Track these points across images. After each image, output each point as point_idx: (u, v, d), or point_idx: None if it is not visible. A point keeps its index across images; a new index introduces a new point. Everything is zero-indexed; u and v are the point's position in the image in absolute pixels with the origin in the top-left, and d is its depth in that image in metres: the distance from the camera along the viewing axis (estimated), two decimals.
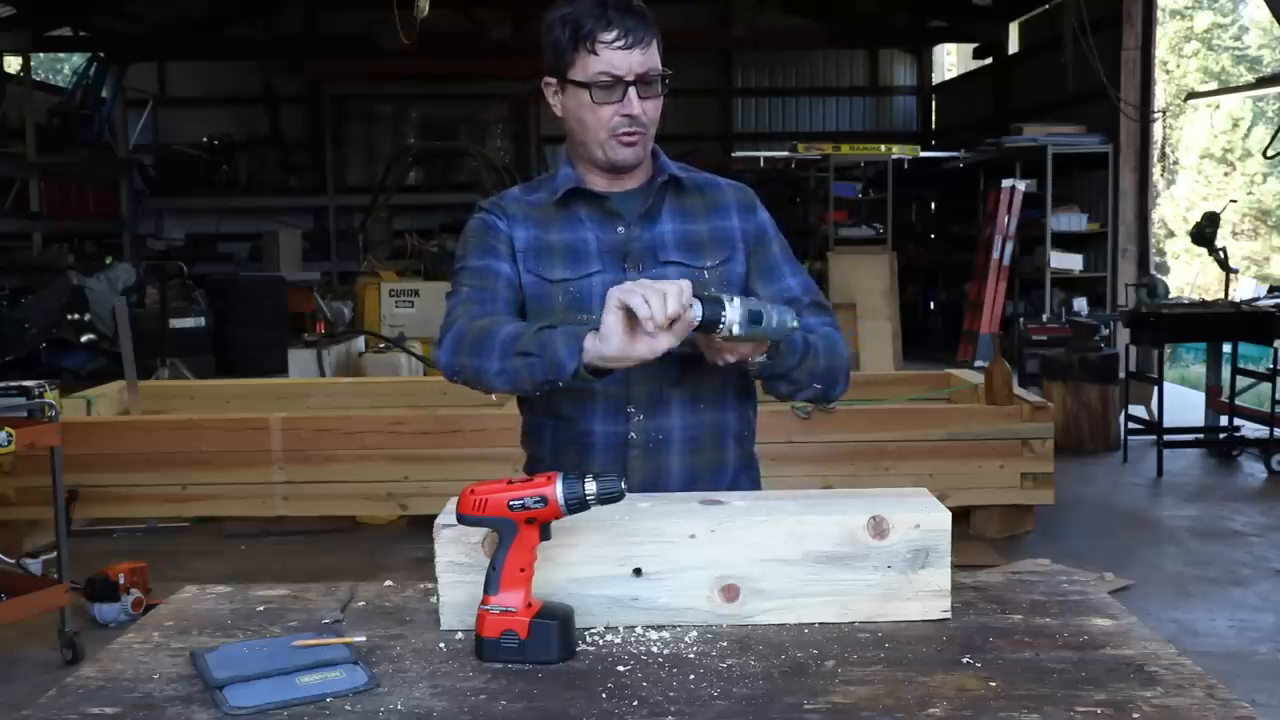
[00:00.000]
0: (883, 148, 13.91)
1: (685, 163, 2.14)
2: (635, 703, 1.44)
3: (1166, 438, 7.60)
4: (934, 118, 17.54)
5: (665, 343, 1.68)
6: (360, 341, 9.02)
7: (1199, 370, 9.70)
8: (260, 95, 17.12)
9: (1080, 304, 10.63)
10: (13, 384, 4.29)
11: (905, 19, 16.06)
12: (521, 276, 2.00)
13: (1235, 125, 23.50)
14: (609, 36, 1.88)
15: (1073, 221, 11.00)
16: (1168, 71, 23.08)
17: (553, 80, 1.97)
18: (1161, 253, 20.42)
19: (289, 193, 16.89)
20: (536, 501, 1.55)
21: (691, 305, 1.67)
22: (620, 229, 2.01)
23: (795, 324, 1.78)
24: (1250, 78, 18.46)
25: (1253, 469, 7.53)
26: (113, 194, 15.59)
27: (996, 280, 10.86)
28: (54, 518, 4.30)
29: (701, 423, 2.01)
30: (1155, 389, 8.01)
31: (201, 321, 9.18)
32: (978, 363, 9.69)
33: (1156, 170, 17.79)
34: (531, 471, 2.11)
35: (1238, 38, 24.97)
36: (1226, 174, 23.51)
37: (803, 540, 1.67)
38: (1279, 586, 5.21)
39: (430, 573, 1.71)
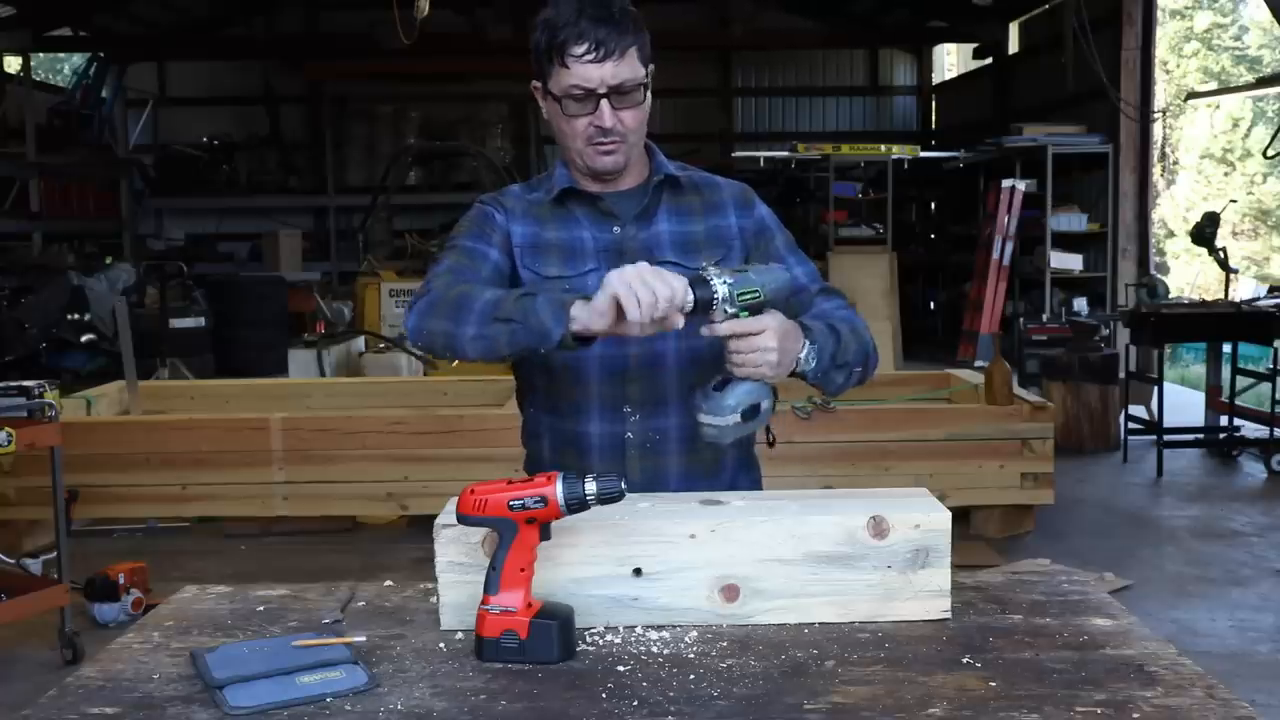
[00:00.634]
0: (883, 148, 13.90)
1: (685, 163, 2.13)
2: (635, 703, 1.44)
3: (1166, 438, 7.60)
4: (934, 118, 17.54)
5: (652, 330, 1.69)
6: (360, 341, 9.02)
7: (1199, 370, 9.70)
8: (260, 95, 17.11)
9: (1080, 304, 10.63)
10: (13, 384, 4.28)
11: (905, 19, 16.05)
12: (519, 272, 2.01)
13: (1235, 125, 23.48)
14: (579, 50, 1.87)
15: (1073, 221, 11.00)
16: (1168, 71, 23.07)
17: (538, 85, 1.97)
18: (1161, 253, 20.42)
19: (289, 193, 16.88)
20: (536, 501, 1.55)
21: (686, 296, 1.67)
22: (616, 229, 2.01)
23: (786, 273, 1.82)
24: (1250, 78, 18.46)
25: (1253, 469, 7.53)
26: (113, 194, 15.58)
27: (996, 280, 10.85)
28: (54, 518, 4.30)
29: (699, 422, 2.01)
30: (1155, 389, 8.00)
31: (201, 321, 9.16)
32: (978, 363, 9.69)
33: (1156, 170, 17.80)
34: (531, 471, 2.11)
35: (1238, 38, 24.96)
36: (1226, 174, 23.50)
37: (803, 540, 1.67)
38: (1279, 586, 5.21)
39: (430, 573, 1.71)
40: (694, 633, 1.66)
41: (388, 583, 1.90)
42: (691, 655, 1.58)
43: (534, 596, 1.59)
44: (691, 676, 1.51)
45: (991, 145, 11.87)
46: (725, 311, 1.71)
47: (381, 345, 8.69)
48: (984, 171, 12.69)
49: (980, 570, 2.00)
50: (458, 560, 1.66)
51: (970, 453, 5.75)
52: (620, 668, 1.55)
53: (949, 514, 1.73)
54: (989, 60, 14.69)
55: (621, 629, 1.67)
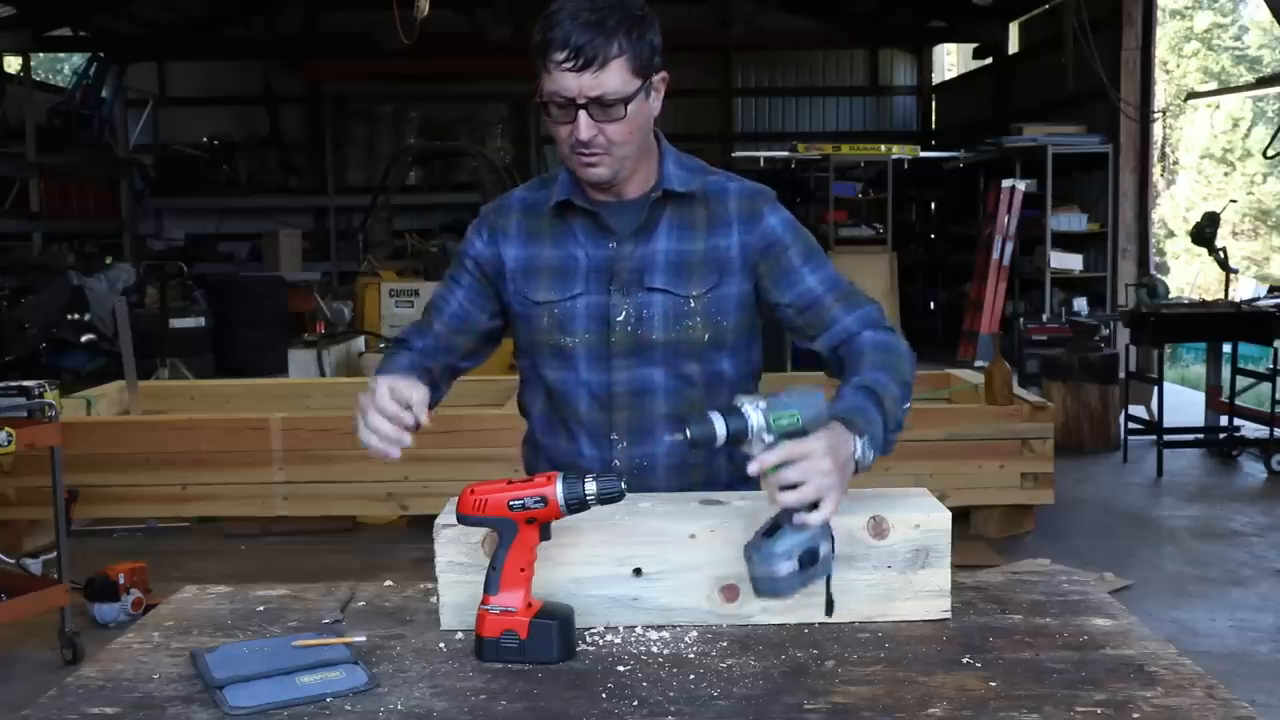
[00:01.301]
0: (883, 148, 13.90)
1: (702, 161, 2.05)
2: (635, 703, 1.44)
3: (1166, 438, 7.60)
4: (934, 118, 17.54)
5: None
6: (360, 341, 9.02)
7: (1199, 370, 9.70)
8: (260, 95, 17.11)
9: (1080, 304, 10.63)
10: (13, 384, 4.28)
11: (905, 19, 16.05)
12: (512, 296, 2.00)
13: (1235, 125, 23.48)
14: (559, 57, 1.78)
15: (1073, 221, 11.00)
16: (1168, 71, 23.07)
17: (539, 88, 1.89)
18: (1161, 253, 20.41)
19: (289, 193, 16.88)
20: (536, 501, 1.55)
21: (713, 421, 1.57)
22: (611, 245, 1.94)
23: (823, 399, 1.65)
24: (1250, 78, 18.46)
25: (1253, 469, 7.53)
26: (113, 194, 15.58)
27: (996, 280, 10.85)
28: (54, 518, 4.30)
29: (687, 450, 1.98)
30: (1155, 389, 8.00)
31: (201, 321, 9.16)
32: (978, 363, 9.69)
33: (1156, 170, 17.79)
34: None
35: (1238, 38, 24.96)
36: (1226, 174, 23.50)
37: None
38: (1279, 586, 5.21)
39: (430, 573, 1.71)
40: (694, 633, 1.66)
41: (388, 583, 1.90)
42: (691, 655, 1.58)
43: (534, 596, 1.59)
44: (691, 676, 1.51)
45: (991, 145, 11.87)
46: (763, 440, 1.57)
47: (381, 345, 8.69)
48: (984, 171, 12.69)
49: (980, 570, 2.00)
50: (458, 560, 1.66)
51: (970, 453, 5.75)
52: (620, 668, 1.55)
53: (949, 514, 1.73)
54: (989, 60, 14.69)
55: (621, 629, 1.67)
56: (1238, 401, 7.88)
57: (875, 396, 1.76)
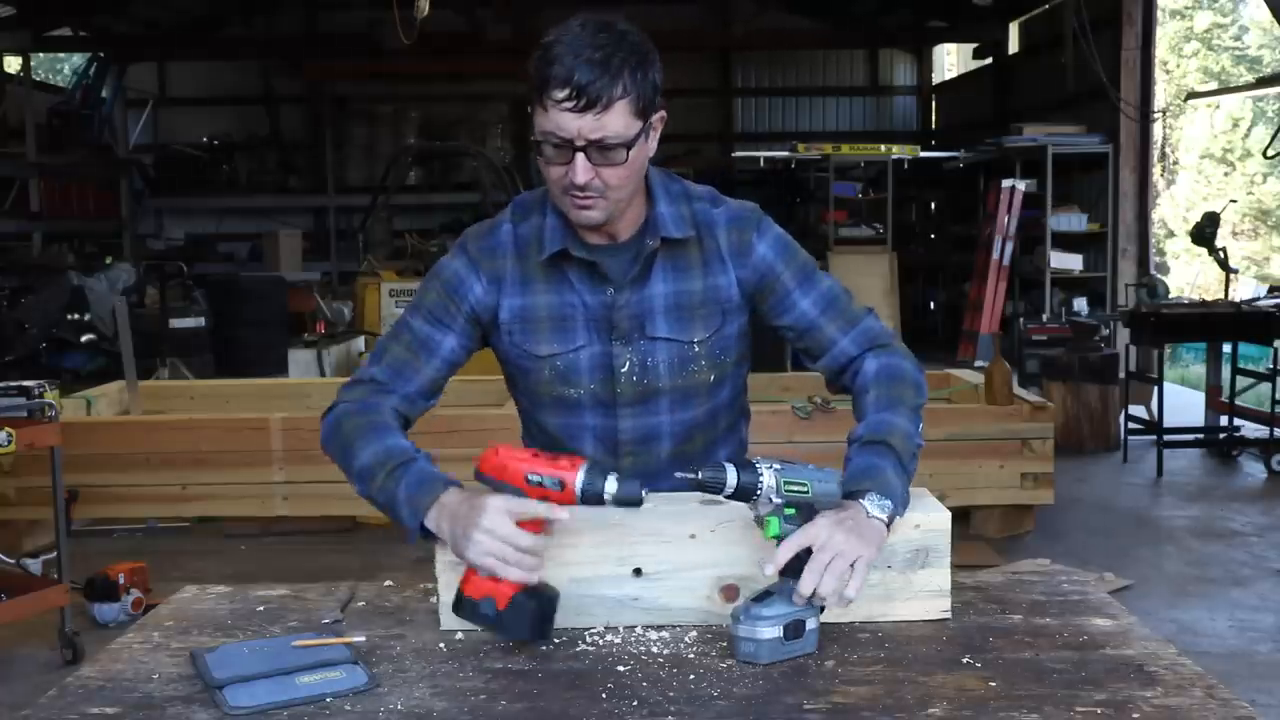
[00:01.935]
0: (883, 148, 13.90)
1: (674, 171, 1.96)
2: (635, 703, 1.44)
3: (1166, 438, 7.60)
4: (934, 118, 17.54)
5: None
6: (360, 341, 9.01)
7: (1199, 370, 9.70)
8: (260, 95, 17.11)
9: (1080, 304, 10.63)
10: (13, 384, 4.28)
11: (905, 19, 16.05)
12: (506, 345, 1.90)
13: (1235, 125, 23.48)
14: (559, 95, 1.66)
15: (1073, 221, 11.00)
16: (1168, 71, 23.06)
17: (532, 115, 1.77)
18: (1161, 253, 20.41)
19: (289, 193, 16.89)
20: (554, 483, 1.56)
21: (726, 470, 1.56)
22: (609, 292, 1.85)
23: (838, 486, 1.63)
24: (1250, 78, 18.46)
25: (1253, 469, 7.53)
26: (113, 194, 15.59)
27: (996, 280, 10.85)
28: (54, 518, 4.29)
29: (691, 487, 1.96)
30: (1155, 389, 8.00)
31: (201, 321, 9.16)
32: (978, 363, 9.69)
33: (1156, 170, 17.79)
34: None
35: (1238, 38, 24.95)
36: (1226, 174, 23.49)
37: None
38: (1279, 586, 5.21)
39: (430, 573, 1.71)
40: (694, 633, 1.66)
41: (388, 583, 1.90)
42: (691, 655, 1.59)
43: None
44: (691, 676, 1.51)
45: (991, 145, 11.87)
46: (770, 501, 1.57)
47: None
48: (984, 171, 12.69)
49: (980, 570, 2.00)
50: (458, 560, 1.66)
51: (970, 453, 5.75)
52: (620, 668, 1.55)
53: (949, 514, 1.73)
54: (989, 60, 14.69)
55: (621, 629, 1.67)
56: (1238, 401, 7.88)
57: (882, 446, 1.75)
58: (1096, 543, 5.86)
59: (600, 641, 1.63)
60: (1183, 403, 9.16)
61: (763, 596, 1.58)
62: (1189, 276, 19.43)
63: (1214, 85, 21.49)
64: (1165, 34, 21.97)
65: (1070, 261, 11.06)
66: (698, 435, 1.97)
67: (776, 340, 2.04)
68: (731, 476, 1.56)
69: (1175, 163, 24.48)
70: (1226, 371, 7.91)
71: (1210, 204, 13.72)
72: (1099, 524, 6.23)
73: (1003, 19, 13.95)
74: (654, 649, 1.61)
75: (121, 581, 4.67)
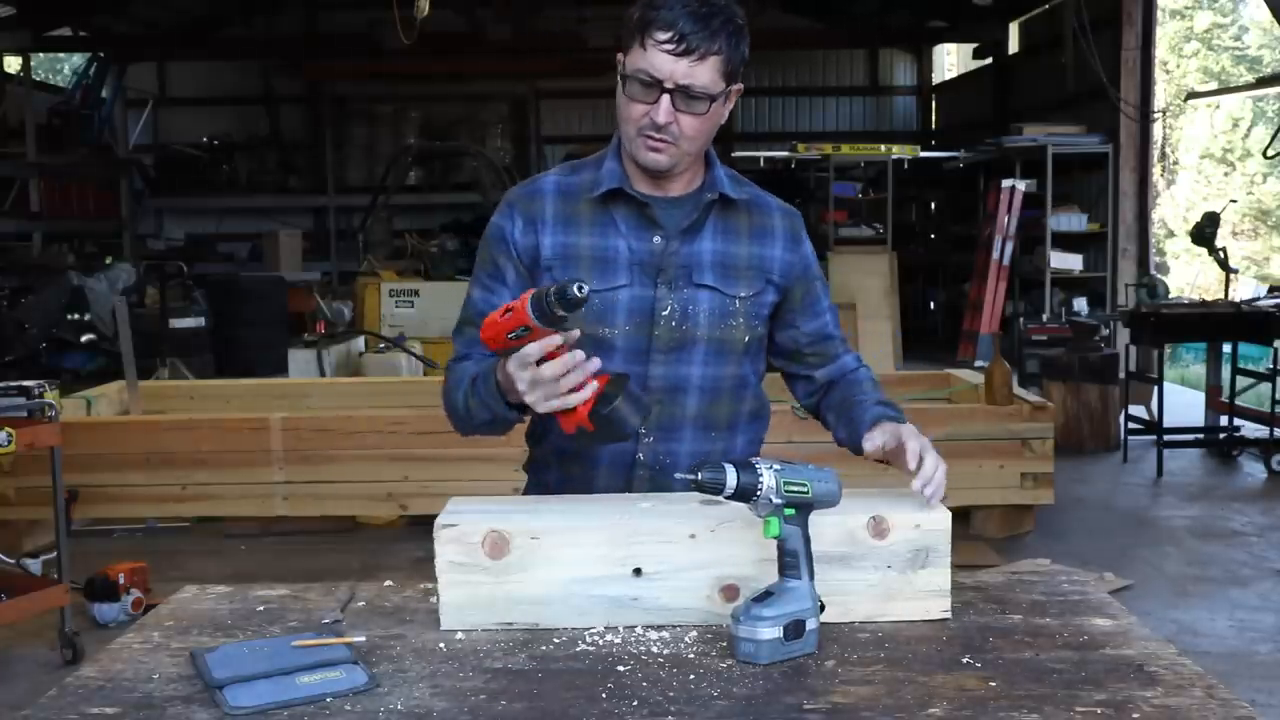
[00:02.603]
0: (883, 148, 13.90)
1: (738, 174, 2.05)
2: (635, 703, 1.44)
3: (1166, 438, 7.60)
4: (934, 118, 17.54)
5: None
6: (360, 341, 9.02)
7: (1199, 370, 9.70)
8: (260, 95, 17.11)
9: (1080, 304, 10.63)
10: (13, 384, 4.28)
11: (905, 19, 16.05)
12: (546, 284, 1.91)
13: (1235, 125, 23.48)
14: (661, 36, 1.78)
15: (1073, 221, 11.00)
16: (1168, 71, 23.06)
17: (620, 58, 1.87)
18: (1161, 253, 20.41)
19: (289, 193, 16.89)
20: (522, 330, 1.65)
21: (726, 471, 1.58)
22: (657, 239, 1.93)
23: (838, 486, 1.65)
24: (1250, 78, 18.46)
25: (1253, 469, 7.53)
26: (113, 194, 15.59)
27: (996, 280, 10.85)
28: (54, 518, 4.29)
29: (711, 450, 1.99)
30: (1155, 389, 8.00)
31: (201, 321, 9.16)
32: (978, 363, 9.69)
33: (1156, 170, 17.79)
34: (533, 475, 2.11)
35: (1238, 38, 24.95)
36: (1226, 174, 23.50)
37: None
38: (1279, 586, 5.21)
39: (430, 573, 1.71)
40: (694, 633, 1.66)
41: (388, 583, 1.90)
42: (691, 655, 1.59)
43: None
44: (691, 676, 1.51)
45: (991, 145, 11.87)
46: (770, 502, 1.58)
47: (381, 345, 8.69)
48: (984, 171, 12.69)
49: (980, 570, 2.00)
50: (458, 560, 1.66)
51: (970, 453, 5.74)
52: (620, 668, 1.55)
53: (949, 514, 1.73)
54: (989, 60, 14.70)
55: (621, 629, 1.67)
56: (1238, 401, 7.88)
57: (894, 407, 2.00)
58: (1096, 543, 5.86)
59: (600, 641, 1.63)
60: (1183, 403, 9.16)
61: (763, 596, 1.58)
62: (1189, 276, 19.44)
63: (1214, 85, 21.49)
64: (1165, 34, 21.97)
65: (1070, 261, 11.07)
66: (723, 402, 1.99)
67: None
68: (731, 477, 1.56)
69: (1175, 163, 24.48)
70: (1226, 371, 7.91)
71: (1210, 204, 13.73)
72: (1099, 524, 6.23)
73: (1003, 19, 13.95)
74: (654, 649, 1.61)
75: (121, 581, 4.67)
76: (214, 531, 6.01)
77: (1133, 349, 8.46)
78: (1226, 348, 7.93)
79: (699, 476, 1.56)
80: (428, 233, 12.98)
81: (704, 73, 1.81)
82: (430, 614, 1.72)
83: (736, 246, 1.97)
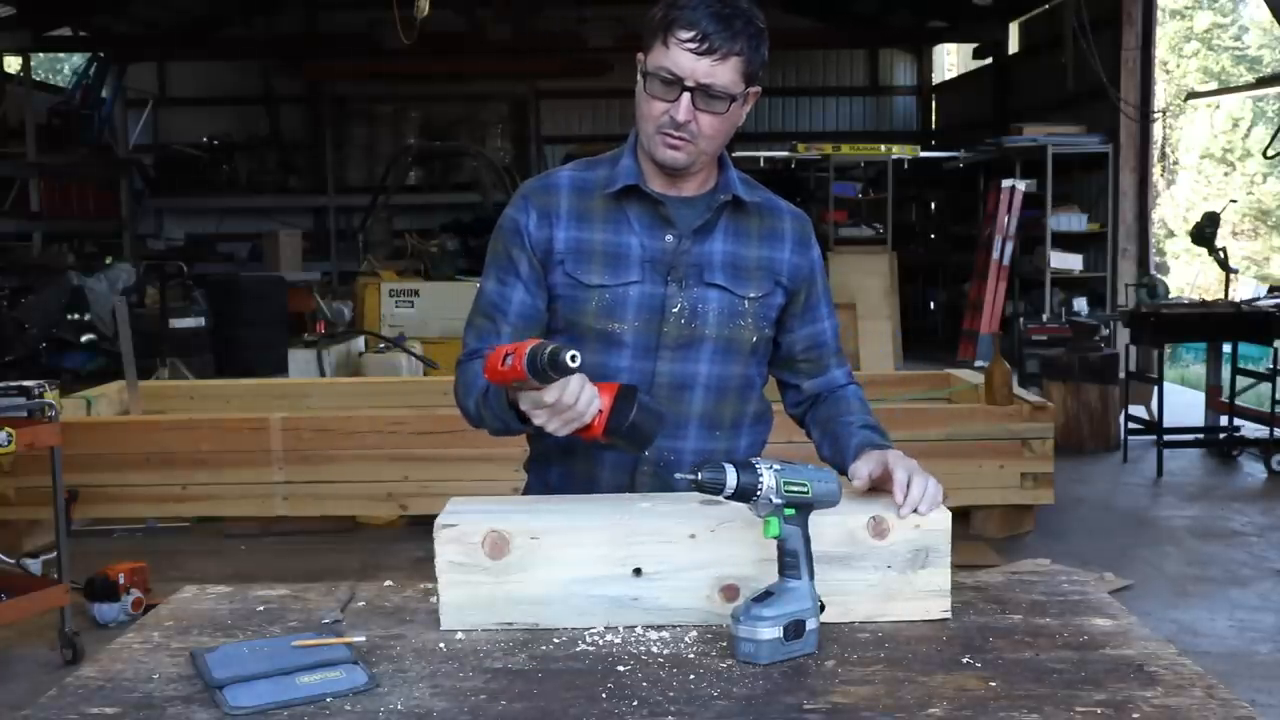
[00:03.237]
0: (883, 148, 13.90)
1: (750, 177, 2.08)
2: (635, 703, 1.44)
3: (1166, 438, 7.60)
4: (934, 118, 17.53)
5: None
6: (360, 341, 9.02)
7: (1199, 370, 9.70)
8: (260, 95, 17.11)
9: (1080, 304, 10.63)
10: (13, 384, 4.28)
11: (905, 19, 16.05)
12: (557, 277, 1.96)
13: (1235, 125, 23.48)
14: (684, 35, 1.81)
15: (1073, 221, 11.00)
16: (1168, 71, 23.05)
17: (641, 57, 1.89)
18: (1161, 253, 20.41)
19: (289, 193, 16.89)
20: (521, 384, 1.68)
21: (726, 471, 1.57)
22: (669, 238, 1.94)
23: (838, 486, 1.66)
24: (1250, 78, 18.46)
25: (1253, 469, 7.53)
26: (113, 194, 15.59)
27: (996, 280, 10.85)
28: (54, 518, 4.29)
29: (715, 449, 2.00)
30: (1155, 389, 8.00)
31: (201, 321, 9.15)
32: (978, 363, 9.69)
33: (1156, 170, 17.79)
34: (537, 472, 2.10)
35: (1238, 38, 24.95)
36: (1226, 174, 23.50)
37: None
38: (1279, 586, 5.21)
39: (430, 573, 1.71)
40: (694, 633, 1.66)
41: (388, 583, 1.90)
42: (691, 655, 1.59)
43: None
44: (691, 676, 1.51)
45: (991, 145, 11.87)
46: (770, 502, 1.58)
47: (381, 345, 8.69)
48: (984, 171, 12.69)
49: (980, 570, 2.00)
50: (458, 560, 1.66)
51: (970, 453, 5.75)
52: (620, 668, 1.55)
53: (949, 514, 1.73)
54: (989, 60, 14.69)
55: (621, 629, 1.67)
56: (1238, 401, 7.88)
57: (881, 431, 1.96)
58: (1096, 543, 5.86)
59: (600, 641, 1.63)
60: (1183, 403, 9.16)
61: (763, 596, 1.58)
62: (1189, 276, 19.44)
63: (1214, 85, 21.49)
64: (1165, 34, 21.97)
65: (1070, 261, 11.07)
66: (729, 401, 2.00)
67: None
68: (731, 477, 1.56)
69: (1175, 163, 24.48)
70: (1226, 371, 7.91)
71: (1210, 204, 13.72)
72: (1099, 524, 6.23)
73: (1003, 19, 13.95)
74: (654, 649, 1.61)
75: (121, 581, 4.67)
76: (214, 531, 6.01)
77: (1133, 349, 8.46)
78: (1226, 348, 7.93)
79: (699, 476, 1.57)
80: (428, 233, 12.96)
81: (725, 73, 1.84)
82: (430, 614, 1.72)
83: (747, 248, 1.99)
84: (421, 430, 5.82)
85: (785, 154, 14.32)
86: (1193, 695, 1.45)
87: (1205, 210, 8.92)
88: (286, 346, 8.69)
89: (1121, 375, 8.16)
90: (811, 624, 1.59)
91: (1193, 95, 17.63)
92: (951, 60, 17.64)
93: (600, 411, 1.71)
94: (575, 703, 1.44)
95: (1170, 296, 9.56)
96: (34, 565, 5.04)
